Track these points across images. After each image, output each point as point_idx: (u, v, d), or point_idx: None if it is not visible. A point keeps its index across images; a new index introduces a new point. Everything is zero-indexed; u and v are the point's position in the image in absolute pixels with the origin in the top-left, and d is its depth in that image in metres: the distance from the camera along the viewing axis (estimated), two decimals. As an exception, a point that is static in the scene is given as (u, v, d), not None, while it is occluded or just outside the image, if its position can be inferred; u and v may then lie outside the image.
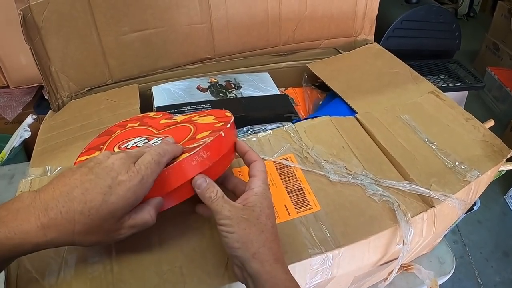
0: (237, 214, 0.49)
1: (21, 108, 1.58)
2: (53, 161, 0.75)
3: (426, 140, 0.75)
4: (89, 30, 0.90)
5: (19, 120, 1.53)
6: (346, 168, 0.69)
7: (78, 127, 0.85)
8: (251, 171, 0.55)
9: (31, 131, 1.43)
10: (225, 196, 0.51)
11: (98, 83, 0.98)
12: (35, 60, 0.87)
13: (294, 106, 1.00)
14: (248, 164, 0.57)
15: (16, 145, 1.45)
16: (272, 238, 0.50)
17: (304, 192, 0.66)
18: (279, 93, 1.01)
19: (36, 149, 0.82)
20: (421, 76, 0.91)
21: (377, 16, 1.08)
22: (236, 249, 0.48)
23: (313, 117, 0.82)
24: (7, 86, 1.54)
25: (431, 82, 1.27)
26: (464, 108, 0.81)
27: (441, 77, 1.31)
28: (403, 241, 0.61)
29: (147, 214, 0.48)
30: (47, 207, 0.42)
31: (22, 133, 1.45)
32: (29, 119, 1.48)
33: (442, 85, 1.26)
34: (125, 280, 0.55)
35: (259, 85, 0.98)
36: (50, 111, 0.95)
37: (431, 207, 0.63)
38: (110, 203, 0.44)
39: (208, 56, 1.04)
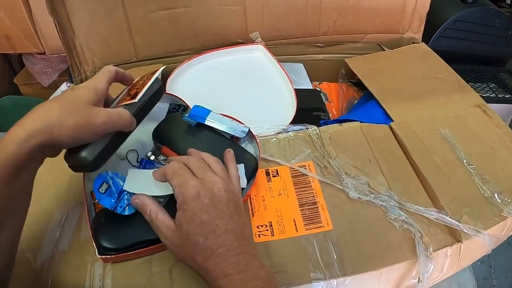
0: (171, 239, 0.50)
1: (57, 75, 1.58)
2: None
3: (464, 161, 0.66)
4: (116, 5, 0.87)
5: (54, 86, 1.53)
6: (369, 185, 0.63)
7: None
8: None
9: (64, 98, 1.43)
10: (160, 213, 0.51)
11: (122, 60, 0.94)
12: (58, 33, 0.85)
13: (326, 103, 0.93)
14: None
15: (49, 110, 1.46)
16: (208, 255, 0.47)
17: (317, 207, 0.60)
18: (311, 87, 0.94)
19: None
20: (469, 86, 0.82)
21: (427, 13, 0.98)
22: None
23: (342, 120, 0.75)
24: (44, 53, 1.54)
25: (479, 90, 1.18)
26: (510, 124, 0.72)
27: (490, 86, 1.20)
28: (419, 277, 0.55)
29: (122, 110, 0.53)
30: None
31: (56, 99, 1.46)
32: (64, 86, 1.47)
33: (490, 95, 1.15)
34: (114, 275, 0.55)
35: (291, 76, 0.91)
36: (72, 85, 0.94)
37: (458, 241, 0.56)
38: (74, 92, 0.51)
39: (239, 40, 0.98)
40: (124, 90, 0.62)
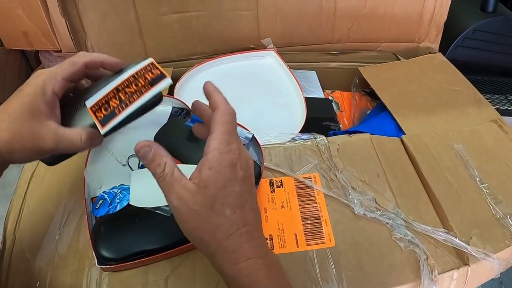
0: (187, 203, 0.39)
1: (72, 72, 1.59)
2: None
3: (477, 179, 0.64)
4: (127, 7, 0.87)
5: (69, 85, 1.55)
6: (376, 201, 0.61)
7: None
8: (210, 124, 0.42)
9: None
10: (177, 171, 0.40)
11: (133, 62, 0.93)
12: (70, 35, 0.85)
13: (338, 112, 0.91)
14: (212, 110, 0.44)
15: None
16: (232, 232, 0.39)
17: (320, 222, 0.59)
18: (323, 96, 0.93)
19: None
20: (485, 100, 0.79)
21: (445, 22, 0.96)
22: (194, 244, 0.42)
23: (352, 132, 0.73)
24: (60, 51, 1.55)
25: (497, 102, 1.15)
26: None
27: (509, 98, 1.16)
28: (423, 301, 0.52)
29: (77, 136, 0.45)
30: None
31: (70, 96, 1.47)
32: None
33: (508, 108, 1.11)
34: (110, 281, 0.54)
35: (302, 84, 0.89)
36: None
37: (466, 265, 0.54)
38: (23, 102, 0.44)
39: (251, 46, 0.97)
40: (110, 78, 0.49)
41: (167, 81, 0.47)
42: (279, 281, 0.41)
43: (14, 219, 0.61)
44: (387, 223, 0.58)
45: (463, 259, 0.55)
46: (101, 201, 0.61)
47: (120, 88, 0.46)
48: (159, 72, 0.48)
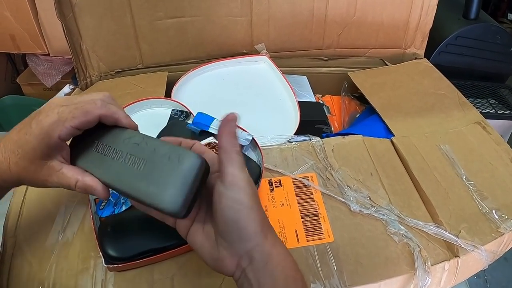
0: (250, 179, 0.41)
1: (60, 76, 1.59)
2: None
3: (464, 177, 0.67)
4: (124, 11, 0.88)
5: (57, 88, 1.55)
6: (370, 199, 0.64)
7: (101, 110, 0.83)
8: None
9: (67, 100, 1.44)
10: None
11: (128, 66, 0.96)
12: (66, 37, 0.86)
13: (329, 116, 0.94)
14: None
15: (50, 112, 1.46)
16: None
17: (319, 219, 0.61)
18: (314, 100, 0.96)
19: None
20: (469, 103, 0.83)
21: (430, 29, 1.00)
22: (251, 231, 0.40)
23: (344, 134, 0.76)
24: (48, 54, 1.55)
25: (479, 105, 1.19)
26: (509, 140, 0.73)
27: (490, 101, 1.21)
28: (417, 291, 0.55)
29: (72, 182, 0.46)
30: None
31: (58, 101, 1.47)
32: (66, 88, 1.49)
33: (490, 111, 1.16)
34: (116, 281, 0.54)
35: (294, 88, 0.92)
36: (77, 88, 0.94)
37: (456, 256, 0.57)
38: (29, 141, 0.43)
39: (244, 51, 0.99)
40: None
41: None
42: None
43: (14, 221, 0.61)
44: (381, 218, 0.61)
45: (453, 251, 0.58)
46: (104, 201, 0.62)
47: None
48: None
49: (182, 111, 0.76)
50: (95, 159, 0.46)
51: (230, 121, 0.42)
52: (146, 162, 0.41)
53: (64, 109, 0.43)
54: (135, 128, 0.47)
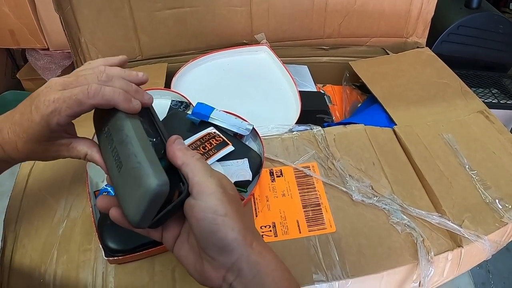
0: (222, 183, 0.39)
1: (60, 71, 1.59)
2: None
3: (467, 167, 0.67)
4: (122, 3, 0.87)
5: (57, 82, 1.54)
6: (372, 188, 0.63)
7: (100, 103, 0.82)
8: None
9: (67, 94, 1.44)
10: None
11: (127, 58, 0.94)
12: (64, 30, 0.85)
13: (330, 105, 0.94)
14: None
15: (51, 106, 1.46)
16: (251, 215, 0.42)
17: (321, 209, 0.61)
18: (315, 89, 0.95)
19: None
20: (472, 92, 0.82)
21: (432, 18, 0.99)
22: (231, 241, 0.37)
23: (346, 123, 0.76)
24: (47, 49, 1.55)
25: (481, 95, 1.18)
26: (512, 130, 0.73)
27: (493, 91, 1.20)
28: (420, 281, 0.55)
29: (82, 153, 0.46)
30: (1, 128, 0.45)
31: (58, 95, 1.47)
32: (66, 82, 1.48)
33: (492, 101, 1.15)
34: (116, 273, 0.54)
35: (295, 78, 0.91)
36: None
37: (459, 246, 0.57)
38: (31, 127, 0.43)
39: (244, 41, 0.98)
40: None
41: (230, 148, 0.61)
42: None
43: (14, 215, 0.61)
44: (384, 208, 0.60)
45: (456, 241, 0.57)
46: (104, 193, 0.61)
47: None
48: (222, 139, 0.61)
49: (181, 102, 0.75)
50: (102, 138, 0.45)
51: (176, 139, 0.41)
52: (122, 165, 0.40)
53: (60, 97, 0.41)
54: (135, 111, 0.44)
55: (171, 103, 0.75)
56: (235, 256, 0.37)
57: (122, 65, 0.48)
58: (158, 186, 0.36)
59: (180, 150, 0.40)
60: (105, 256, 0.53)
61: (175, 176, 0.40)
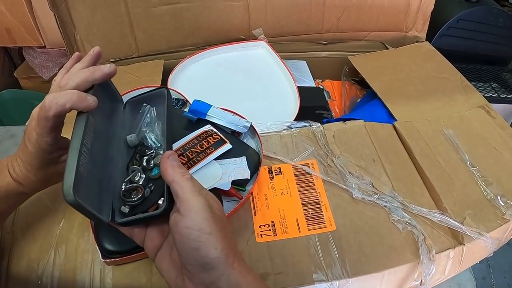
0: (209, 203, 0.40)
1: (58, 68, 1.58)
2: (64, 134, 0.73)
3: (468, 163, 0.66)
4: (117, -1, 0.86)
5: (55, 80, 1.54)
6: (373, 185, 0.62)
7: (96, 101, 0.81)
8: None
9: (64, 92, 1.44)
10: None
11: (124, 55, 0.94)
12: (59, 28, 0.84)
13: (329, 101, 0.93)
14: None
15: (49, 105, 1.45)
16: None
17: (320, 207, 0.60)
18: (314, 85, 0.94)
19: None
20: (472, 87, 0.81)
21: (431, 12, 0.97)
22: (212, 259, 0.37)
23: (345, 119, 0.75)
24: (44, 46, 1.54)
25: (481, 89, 1.18)
26: (512, 125, 0.72)
27: (493, 85, 1.19)
28: (422, 279, 0.54)
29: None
30: (14, 166, 0.49)
31: (56, 93, 1.46)
32: (64, 80, 1.47)
33: (493, 95, 1.14)
34: (114, 275, 0.54)
35: (294, 74, 0.90)
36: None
37: (461, 244, 0.56)
38: (31, 158, 0.47)
39: (242, 37, 0.97)
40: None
41: (228, 146, 0.59)
42: None
43: (10, 217, 0.60)
44: (384, 206, 0.60)
45: (458, 239, 0.56)
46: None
47: (187, 148, 0.58)
48: (219, 137, 0.61)
49: (178, 99, 0.74)
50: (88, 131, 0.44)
51: (170, 156, 0.42)
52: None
53: (36, 124, 0.45)
54: (91, 108, 0.43)
55: None
56: (216, 275, 0.37)
57: (96, 60, 0.48)
58: (66, 196, 0.37)
59: (172, 167, 0.41)
60: (102, 258, 0.52)
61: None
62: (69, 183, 0.37)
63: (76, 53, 0.50)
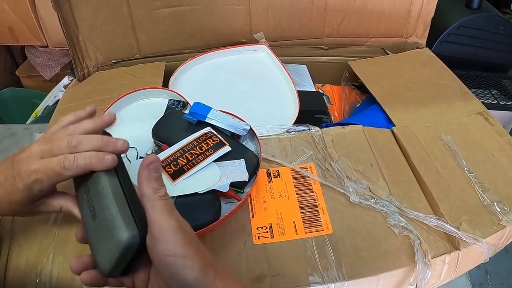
0: (181, 225, 0.39)
1: (59, 68, 1.58)
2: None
3: (465, 169, 0.66)
4: (120, 1, 0.87)
5: (56, 80, 1.54)
6: (370, 190, 0.63)
7: (98, 101, 0.82)
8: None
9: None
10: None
11: (125, 56, 0.94)
12: (62, 28, 0.85)
13: (329, 105, 0.93)
14: None
15: (50, 104, 1.46)
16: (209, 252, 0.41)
17: (318, 210, 0.60)
18: (314, 89, 0.94)
19: (53, 119, 0.80)
20: (471, 93, 0.82)
21: (432, 18, 0.98)
22: (192, 281, 0.37)
23: (344, 124, 0.75)
24: (46, 46, 1.54)
25: (481, 96, 1.18)
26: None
27: (492, 92, 1.19)
28: (417, 284, 0.54)
29: (57, 207, 0.50)
30: None
31: (57, 93, 1.46)
32: (66, 80, 1.48)
33: (492, 102, 1.15)
34: None
35: (294, 78, 0.91)
36: (74, 80, 0.94)
37: (457, 249, 0.56)
38: (16, 195, 0.46)
39: (243, 40, 0.98)
40: None
41: (227, 148, 0.61)
42: None
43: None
44: (381, 210, 0.60)
45: (454, 244, 0.57)
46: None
47: (187, 149, 0.60)
48: (218, 139, 0.62)
49: (179, 101, 0.75)
50: (80, 188, 0.46)
51: (151, 163, 0.40)
52: (96, 217, 0.41)
53: (41, 168, 0.45)
54: (110, 167, 0.44)
55: (168, 102, 0.75)
56: None
57: (91, 116, 0.52)
58: (128, 239, 0.37)
59: (148, 178, 0.40)
60: None
61: None
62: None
63: (89, 109, 0.52)
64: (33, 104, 1.55)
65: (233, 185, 0.59)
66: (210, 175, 0.59)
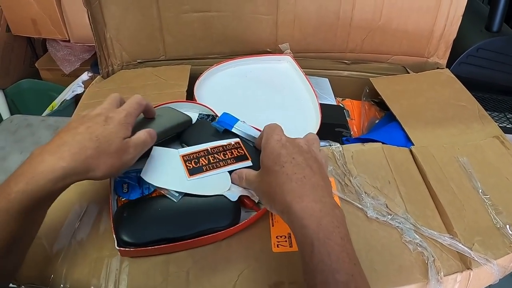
0: (256, 182, 0.56)
1: (79, 63, 1.61)
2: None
3: (480, 191, 0.68)
4: (150, 2, 0.90)
5: (75, 75, 1.56)
6: (387, 206, 0.64)
7: (122, 99, 0.84)
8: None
9: (84, 87, 1.46)
10: (247, 170, 0.60)
11: (151, 57, 0.96)
12: (90, 24, 0.87)
13: (348, 120, 0.95)
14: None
15: (67, 98, 1.48)
16: (283, 180, 0.50)
17: (335, 223, 0.62)
18: (335, 103, 0.96)
19: (76, 113, 0.82)
20: (489, 116, 0.83)
21: (453, 39, 1.00)
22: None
23: (364, 139, 0.77)
24: (68, 40, 1.56)
25: (496, 119, 1.18)
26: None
27: (508, 116, 1.20)
28: (429, 300, 0.56)
29: (143, 135, 0.56)
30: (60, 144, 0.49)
31: (75, 88, 1.48)
32: (85, 76, 1.50)
33: (507, 126, 1.16)
34: (130, 271, 0.55)
35: (316, 90, 0.92)
36: (98, 76, 0.95)
37: (468, 269, 0.57)
38: (108, 129, 0.51)
39: (268, 50, 1.00)
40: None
41: (249, 163, 0.63)
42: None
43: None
44: (397, 226, 0.61)
45: (466, 264, 0.58)
46: (125, 185, 0.62)
47: (211, 152, 0.63)
48: (243, 152, 0.65)
49: (208, 115, 0.76)
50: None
51: None
52: None
53: (123, 109, 0.56)
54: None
55: (198, 116, 0.76)
56: None
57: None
58: None
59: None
60: (117, 246, 0.54)
61: None
62: None
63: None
64: (50, 96, 1.57)
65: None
66: (221, 183, 0.61)
